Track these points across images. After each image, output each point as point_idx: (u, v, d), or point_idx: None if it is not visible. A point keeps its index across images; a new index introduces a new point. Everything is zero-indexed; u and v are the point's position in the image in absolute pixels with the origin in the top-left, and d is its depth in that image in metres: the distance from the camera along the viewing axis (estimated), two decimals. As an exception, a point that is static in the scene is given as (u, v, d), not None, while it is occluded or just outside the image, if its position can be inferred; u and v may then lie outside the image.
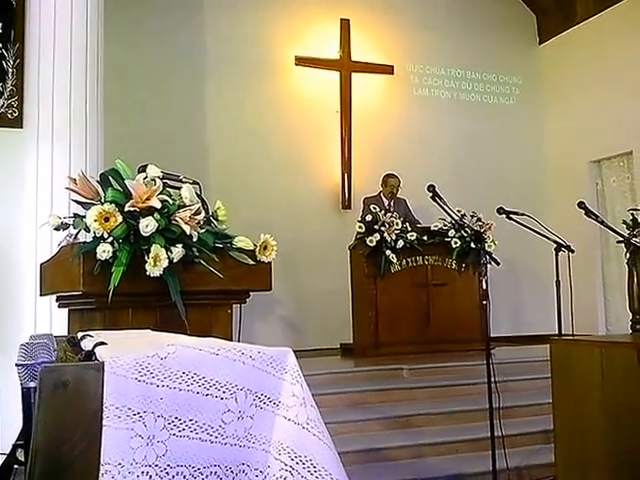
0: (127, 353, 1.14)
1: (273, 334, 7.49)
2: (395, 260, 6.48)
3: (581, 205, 5.09)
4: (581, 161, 8.88)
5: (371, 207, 6.61)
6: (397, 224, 6.49)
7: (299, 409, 1.15)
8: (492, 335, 4.83)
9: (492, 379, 3.95)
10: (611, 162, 8.75)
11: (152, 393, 1.10)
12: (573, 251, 4.77)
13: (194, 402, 1.11)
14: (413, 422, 4.82)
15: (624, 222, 7.07)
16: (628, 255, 6.88)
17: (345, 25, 8.52)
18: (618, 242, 6.58)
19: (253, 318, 6.95)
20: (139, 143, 6.77)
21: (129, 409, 1.08)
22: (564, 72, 9.21)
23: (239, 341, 2.64)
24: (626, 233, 6.74)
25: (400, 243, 6.45)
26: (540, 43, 9.71)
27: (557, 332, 4.67)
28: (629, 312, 7.07)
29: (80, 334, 1.71)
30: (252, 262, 2.60)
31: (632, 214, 7.10)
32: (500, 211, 4.94)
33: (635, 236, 6.87)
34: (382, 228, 6.42)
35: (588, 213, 5.01)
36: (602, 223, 5.10)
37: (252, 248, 2.65)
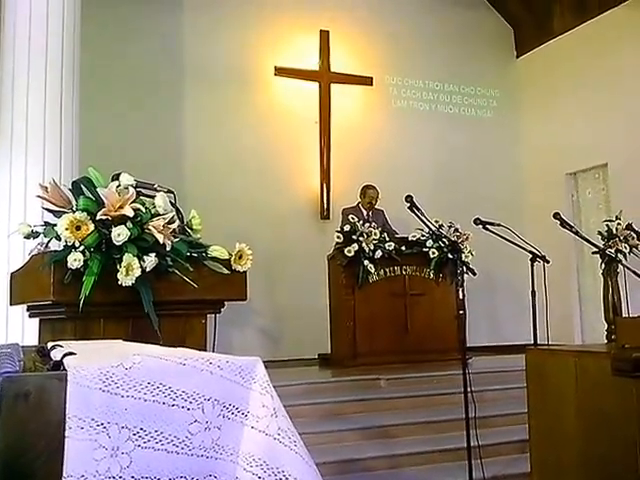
0: (95, 363, 1.12)
1: (250, 344, 7.45)
2: (373, 270, 6.49)
3: (556, 216, 5.13)
4: (557, 173, 8.98)
5: (349, 217, 6.62)
6: (375, 234, 6.50)
7: (270, 420, 1.14)
8: (469, 345, 4.86)
9: (468, 389, 3.96)
10: (586, 174, 8.85)
11: (116, 404, 1.08)
12: (548, 261, 4.82)
13: (160, 413, 1.09)
14: (390, 432, 4.81)
15: (599, 233, 7.15)
16: (603, 266, 6.96)
17: (325, 36, 8.56)
18: (593, 253, 6.64)
19: (230, 328, 6.92)
20: (115, 153, 6.72)
21: (93, 420, 1.07)
22: (541, 85, 9.32)
23: (214, 352, 2.61)
24: (601, 244, 6.82)
25: (378, 253, 6.46)
26: (517, 56, 9.83)
27: (533, 342, 4.69)
28: (604, 322, 7.14)
29: (50, 344, 1.68)
30: (227, 271, 2.58)
31: (607, 225, 7.18)
32: (477, 222, 4.98)
33: (610, 247, 6.95)
34: (360, 238, 6.43)
35: (563, 224, 5.05)
36: (577, 234, 5.14)
37: (227, 257, 2.63)
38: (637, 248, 7.01)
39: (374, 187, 7.23)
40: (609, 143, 8.19)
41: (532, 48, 9.52)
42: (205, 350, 2.59)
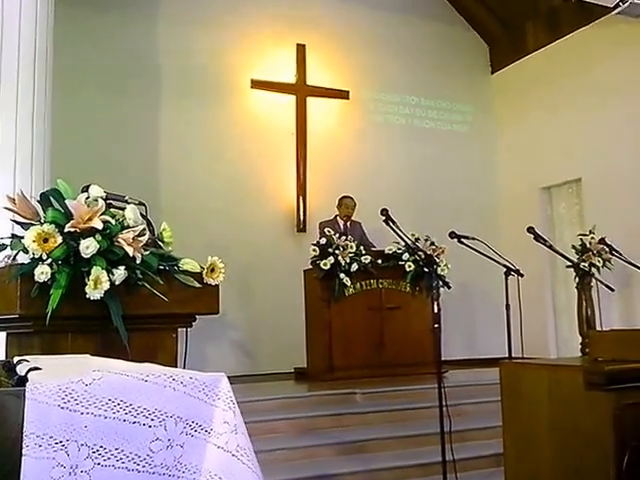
0: (55, 379, 1.09)
1: (225, 358, 7.39)
2: (349, 283, 6.48)
3: (530, 230, 5.18)
4: (532, 188, 9.07)
5: (326, 230, 6.61)
6: (351, 247, 6.49)
7: (229, 436, 1.12)
8: (446, 358, 4.85)
9: (444, 403, 3.95)
10: (560, 189, 8.95)
11: (76, 421, 1.05)
12: (522, 275, 4.85)
13: (120, 430, 1.07)
14: (366, 447, 4.78)
15: (573, 247, 7.23)
16: (577, 279, 7.03)
17: (301, 50, 8.58)
18: (567, 266, 6.71)
19: (205, 342, 6.86)
20: (89, 165, 6.66)
21: (51, 437, 1.04)
22: (515, 101, 9.44)
23: (185, 366, 2.58)
24: (575, 258, 6.89)
25: (354, 266, 6.46)
26: (492, 72, 9.94)
27: (507, 355, 4.71)
28: (579, 335, 7.20)
29: (16, 359, 1.65)
30: (198, 285, 2.55)
31: (581, 239, 7.26)
32: (452, 235, 5.00)
33: (584, 261, 7.03)
34: (336, 251, 6.42)
35: (537, 238, 5.10)
36: (550, 248, 5.19)
37: (199, 270, 2.59)
38: (610, 262, 7.09)
39: (351, 197, 7.25)
40: (582, 158, 8.29)
41: (507, 64, 9.65)
42: (176, 365, 2.55)
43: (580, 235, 7.36)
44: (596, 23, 7.90)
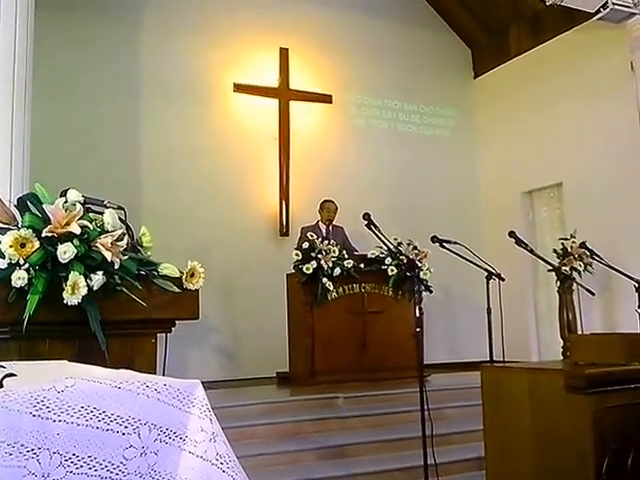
0: (26, 386, 1.07)
1: (207, 363, 7.35)
2: (332, 288, 6.47)
3: (511, 234, 5.21)
4: (513, 192, 9.13)
5: (308, 234, 6.60)
6: (334, 252, 6.49)
7: (208, 445, 1.11)
8: (428, 362, 4.86)
9: (425, 406, 3.95)
10: (542, 193, 9.01)
11: (48, 428, 1.04)
12: (503, 279, 4.87)
13: (93, 438, 1.05)
14: (348, 452, 4.78)
15: (555, 251, 7.27)
16: (558, 283, 7.06)
17: (284, 54, 8.59)
18: (549, 270, 6.74)
19: (186, 346, 6.82)
20: (69, 170, 6.60)
21: (22, 445, 1.02)
22: (497, 105, 9.50)
23: (164, 371, 2.56)
24: (556, 262, 6.93)
25: (337, 271, 6.45)
26: (475, 77, 10.00)
27: (489, 359, 4.73)
28: (560, 339, 7.24)
29: (-8, 365, 1.62)
30: (178, 290, 2.53)
31: (562, 243, 7.31)
32: (434, 239, 5.01)
33: (565, 265, 7.07)
34: (319, 256, 6.41)
35: (518, 242, 5.12)
36: (532, 252, 5.22)
37: (178, 275, 2.58)
38: (591, 266, 7.14)
39: (333, 201, 7.25)
40: (564, 163, 8.36)
41: (489, 69, 9.71)
42: (155, 370, 2.53)
43: (561, 239, 7.40)
44: (578, 28, 7.97)
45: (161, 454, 1.09)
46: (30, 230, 2.25)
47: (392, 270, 6.66)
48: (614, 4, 6.70)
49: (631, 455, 2.57)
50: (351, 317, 6.61)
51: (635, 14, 6.91)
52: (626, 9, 6.84)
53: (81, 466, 1.04)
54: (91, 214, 2.44)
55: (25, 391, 1.05)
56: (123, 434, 1.06)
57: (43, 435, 1.03)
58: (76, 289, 2.19)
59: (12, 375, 1.29)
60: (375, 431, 5.07)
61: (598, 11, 6.87)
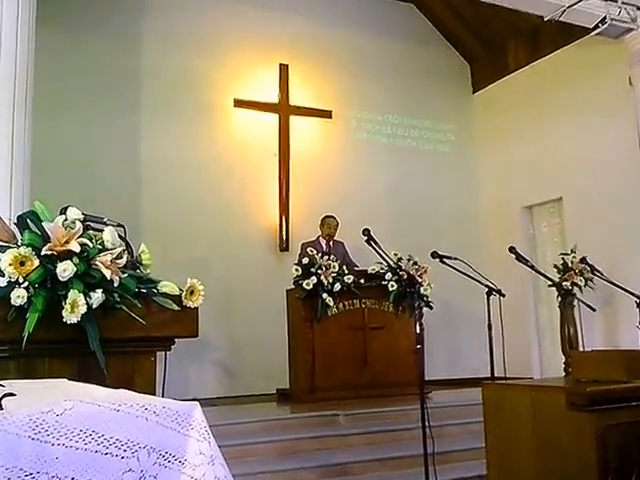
0: (25, 409, 1.06)
1: (207, 380, 7.32)
2: (332, 303, 6.45)
3: (512, 250, 5.20)
4: (513, 207, 9.13)
5: (308, 250, 6.59)
6: (334, 267, 6.47)
7: (206, 468, 1.10)
8: (429, 378, 4.84)
9: (427, 424, 3.92)
10: (542, 208, 9.02)
11: (47, 452, 1.03)
12: (504, 295, 4.85)
13: (92, 461, 1.04)
14: (349, 470, 4.73)
15: (555, 266, 7.26)
16: (559, 299, 7.04)
17: (284, 70, 8.63)
18: (549, 286, 6.73)
19: (186, 363, 6.78)
20: (70, 185, 6.62)
21: (21, 470, 1.01)
22: (497, 120, 9.52)
23: (163, 390, 2.54)
24: (557, 277, 6.91)
25: (337, 286, 6.43)
26: (474, 92, 10.04)
27: (490, 375, 4.70)
28: (562, 355, 7.21)
29: (-9, 384, 1.61)
30: (177, 307, 2.52)
31: (563, 258, 7.29)
32: (434, 255, 5.00)
33: (566, 280, 7.05)
34: (319, 271, 6.39)
35: (519, 258, 5.12)
36: (532, 267, 5.21)
37: (178, 293, 2.57)
38: (592, 281, 7.13)
39: (334, 217, 7.25)
40: (564, 177, 8.37)
41: (488, 84, 9.75)
42: (154, 389, 2.52)
43: (562, 254, 7.39)
44: (576, 43, 8.01)
45: (160, 477, 1.08)
46: (30, 248, 2.24)
47: (392, 286, 6.64)
48: (612, 19, 6.74)
49: (634, 475, 2.55)
50: (351, 333, 6.58)
51: (633, 29, 6.95)
52: (624, 24, 6.88)
53: (80, 490, 1.03)
54: (91, 232, 2.43)
55: (24, 414, 1.04)
56: (122, 458, 1.05)
57: (42, 459, 1.02)
58: (75, 307, 2.18)
59: (11, 395, 1.27)
60: (376, 449, 5.03)
61: (596, 26, 6.92)
